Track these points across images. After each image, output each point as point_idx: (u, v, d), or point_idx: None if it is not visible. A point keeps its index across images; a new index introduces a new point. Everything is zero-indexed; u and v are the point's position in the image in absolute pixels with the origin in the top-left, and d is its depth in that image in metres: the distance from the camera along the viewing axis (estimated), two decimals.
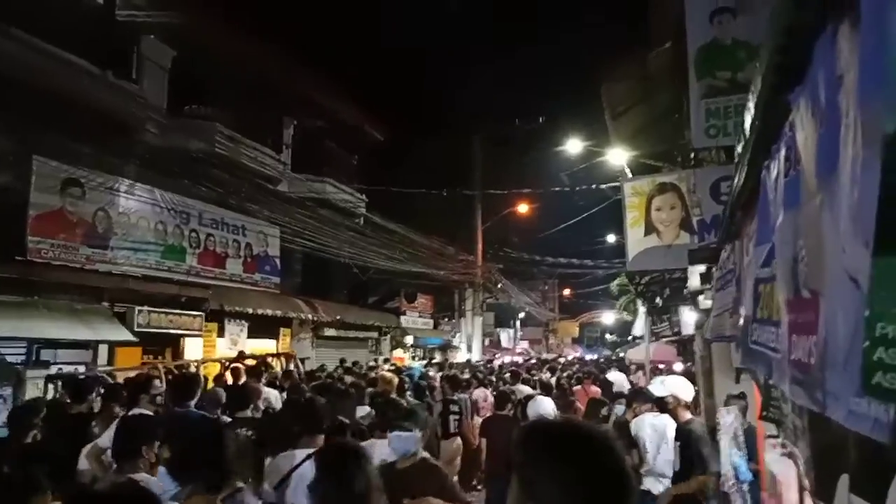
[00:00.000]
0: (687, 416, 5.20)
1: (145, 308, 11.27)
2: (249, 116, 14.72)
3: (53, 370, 9.56)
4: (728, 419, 5.51)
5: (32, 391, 8.86)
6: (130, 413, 4.83)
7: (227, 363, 9.88)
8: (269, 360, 10.83)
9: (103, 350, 10.58)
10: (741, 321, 2.85)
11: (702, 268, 4.75)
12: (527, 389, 9.49)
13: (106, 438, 4.55)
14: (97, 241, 10.64)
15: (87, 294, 10.39)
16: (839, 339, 0.80)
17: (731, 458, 5.40)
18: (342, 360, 14.05)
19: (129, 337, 10.63)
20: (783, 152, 1.29)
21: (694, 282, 4.98)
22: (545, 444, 1.31)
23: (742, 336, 1.83)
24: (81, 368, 10.16)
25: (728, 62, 7.00)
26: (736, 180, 2.95)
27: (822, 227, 0.93)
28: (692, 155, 9.53)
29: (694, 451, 4.96)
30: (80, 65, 10.45)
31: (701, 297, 5.74)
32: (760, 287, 1.64)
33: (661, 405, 5.44)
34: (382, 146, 21.42)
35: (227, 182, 13.66)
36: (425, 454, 3.86)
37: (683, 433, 5.10)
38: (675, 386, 5.32)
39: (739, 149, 3.14)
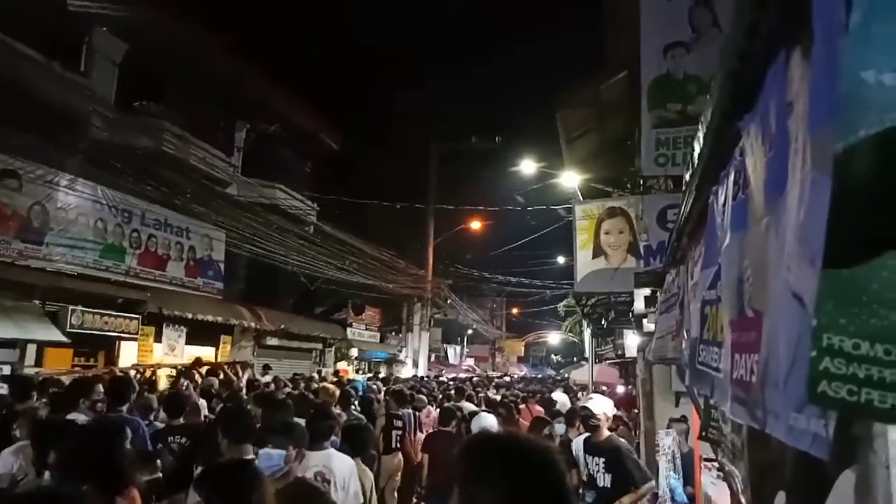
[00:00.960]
0: (606, 433, 5.37)
1: (79, 308, 10.81)
2: (201, 117, 14.41)
3: None
4: (667, 441, 5.65)
5: None
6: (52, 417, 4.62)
7: (183, 368, 9.65)
8: (226, 367, 10.56)
9: (31, 350, 10.08)
10: (685, 343, 2.92)
11: (647, 291, 4.86)
12: (471, 406, 9.48)
13: None
14: (31, 235, 10.18)
15: (16, 290, 9.90)
16: (780, 357, 0.82)
17: (668, 479, 5.53)
18: (265, 367, 13.67)
19: (60, 337, 10.16)
20: (731, 177, 1.32)
21: (639, 305, 5.10)
22: (487, 455, 1.31)
23: (689, 357, 1.87)
24: (6, 369, 9.68)
25: (679, 95, 7.24)
26: (683, 207, 3.03)
27: (767, 248, 0.96)
28: (641, 182, 9.80)
29: (626, 467, 5.06)
30: (25, 53, 10.04)
31: (645, 321, 5.88)
32: (707, 309, 1.68)
33: (587, 424, 5.57)
34: (337, 155, 21.28)
35: (173, 182, 13.31)
36: (301, 474, 3.56)
37: (610, 450, 5.20)
38: (602, 404, 5.50)
39: (688, 177, 3.23)
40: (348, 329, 21.68)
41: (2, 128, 9.15)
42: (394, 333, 25.86)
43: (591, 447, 5.48)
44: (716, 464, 3.60)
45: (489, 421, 5.99)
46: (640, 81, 7.41)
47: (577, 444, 5.74)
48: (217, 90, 14.77)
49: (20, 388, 5.69)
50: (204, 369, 9.97)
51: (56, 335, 10.13)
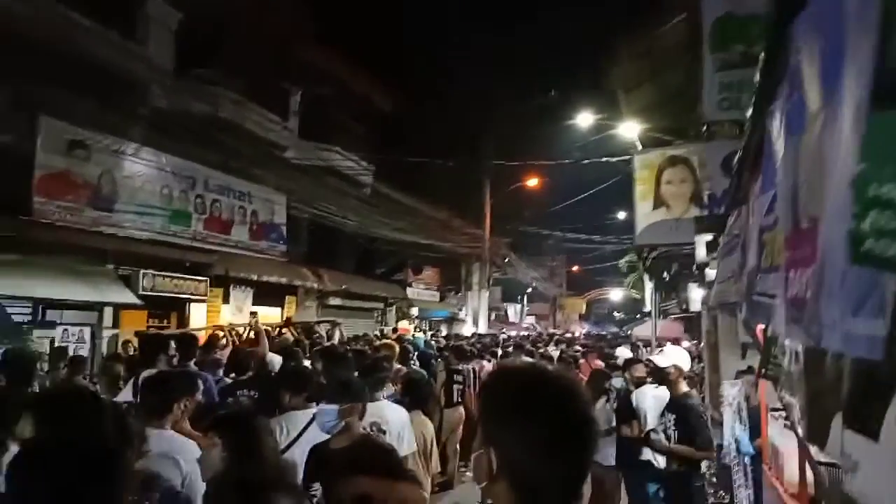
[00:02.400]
0: (684, 388, 5.15)
1: (150, 271, 11.28)
2: (256, 82, 14.56)
3: (59, 330, 9.65)
4: (732, 392, 5.46)
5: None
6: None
7: (278, 328, 10.08)
8: (315, 328, 10.95)
9: (108, 312, 10.62)
10: (745, 277, 2.78)
11: (708, 237, 4.65)
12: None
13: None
14: (102, 203, 10.61)
15: (92, 255, 10.39)
16: (837, 258, 0.73)
17: (733, 431, 5.37)
18: (333, 324, 14.05)
19: (133, 300, 10.65)
20: (786, 82, 1.20)
21: (700, 252, 4.89)
22: (502, 389, 1.26)
23: (747, 291, 1.77)
24: (87, 330, 10.25)
25: (742, 35, 6.84)
26: (743, 140, 2.85)
27: (822, 144, 0.85)
28: (704, 129, 9.40)
29: (696, 427, 4.91)
30: (84, 23, 10.30)
31: (707, 269, 5.66)
32: (765, 235, 1.57)
33: (661, 377, 5.39)
34: (391, 116, 21.23)
35: (233, 147, 13.59)
36: (363, 430, 3.41)
37: (680, 406, 5.05)
38: (676, 356, 5.28)
39: (749, 114, 3.04)
40: (408, 289, 21.93)
41: (68, 98, 9.48)
42: (453, 293, 26.01)
43: (663, 402, 5.35)
44: (783, 412, 3.45)
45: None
46: (700, 25, 7.03)
47: (639, 395, 5.65)
48: (271, 55, 14.89)
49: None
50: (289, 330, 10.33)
51: (130, 298, 10.62)
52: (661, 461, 5.43)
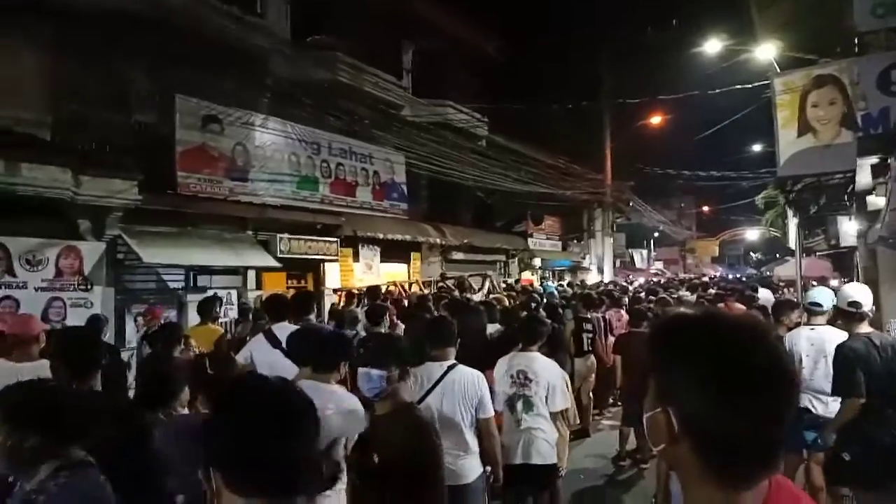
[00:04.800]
0: (866, 328, 4.47)
1: (286, 235, 11.89)
2: (369, 43, 14.70)
3: (210, 294, 10.46)
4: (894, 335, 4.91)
5: (192, 313, 9.77)
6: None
7: (438, 282, 10.66)
8: (467, 280, 11.53)
9: (251, 276, 11.35)
10: None
11: (874, 159, 4.13)
12: None
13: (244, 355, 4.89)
14: (238, 173, 11.24)
15: (232, 224, 11.09)
16: None
17: None
18: (442, 275, 14.60)
19: (273, 263, 11.29)
20: None
21: (864, 178, 4.36)
22: (685, 333, 1.11)
23: None
24: (234, 293, 11.05)
25: None
26: None
27: None
28: (855, 41, 8.44)
29: (838, 371, 4.41)
30: (210, 1, 10.80)
31: (870, 197, 5.05)
32: None
33: (845, 313, 4.68)
34: (504, 64, 20.76)
35: (352, 111, 13.89)
36: (408, 400, 3.25)
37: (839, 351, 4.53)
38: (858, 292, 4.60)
39: None
40: (529, 240, 21.75)
41: (200, 75, 10.04)
42: (576, 241, 25.51)
43: (822, 344, 4.88)
44: None
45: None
46: None
47: (793, 337, 5.22)
48: (381, 14, 14.94)
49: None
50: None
51: (270, 261, 11.28)
52: (818, 408, 5.03)
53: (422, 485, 2.94)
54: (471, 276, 12.03)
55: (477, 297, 10.07)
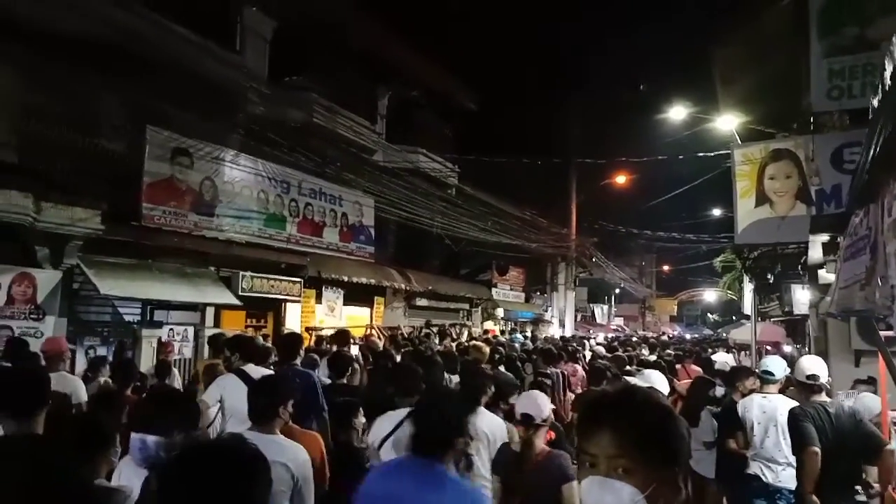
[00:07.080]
0: (820, 399, 4.61)
1: (248, 273, 11.73)
2: (345, 87, 14.91)
3: (165, 330, 10.21)
4: (847, 403, 5.05)
5: (147, 349, 9.52)
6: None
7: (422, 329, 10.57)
8: (448, 329, 11.46)
9: (210, 312, 11.13)
10: (878, 292, 2.53)
11: (825, 237, 4.32)
12: None
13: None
14: (204, 208, 11.12)
15: (194, 258, 10.90)
16: None
17: None
18: (427, 322, 14.49)
19: (233, 300, 11.10)
20: None
21: (815, 253, 4.55)
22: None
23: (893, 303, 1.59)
24: (191, 329, 10.81)
25: (856, 16, 6.35)
26: (875, 136, 2.61)
27: None
28: (811, 120, 8.85)
29: (791, 430, 4.54)
30: (184, 34, 10.83)
31: (821, 271, 5.26)
32: None
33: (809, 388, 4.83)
34: (477, 115, 21.19)
35: (324, 152, 13.95)
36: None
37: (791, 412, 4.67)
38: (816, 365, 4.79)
39: (876, 102, 2.78)
40: (493, 289, 21.85)
41: (172, 107, 10.01)
42: (539, 293, 25.72)
43: (773, 413, 4.98)
44: None
45: (655, 377, 5.61)
46: (806, 7, 6.60)
47: (746, 404, 5.32)
48: (359, 60, 15.20)
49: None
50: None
51: (230, 298, 11.09)
52: (768, 476, 5.11)
53: None
54: (451, 325, 12.10)
55: (454, 345, 10.07)
